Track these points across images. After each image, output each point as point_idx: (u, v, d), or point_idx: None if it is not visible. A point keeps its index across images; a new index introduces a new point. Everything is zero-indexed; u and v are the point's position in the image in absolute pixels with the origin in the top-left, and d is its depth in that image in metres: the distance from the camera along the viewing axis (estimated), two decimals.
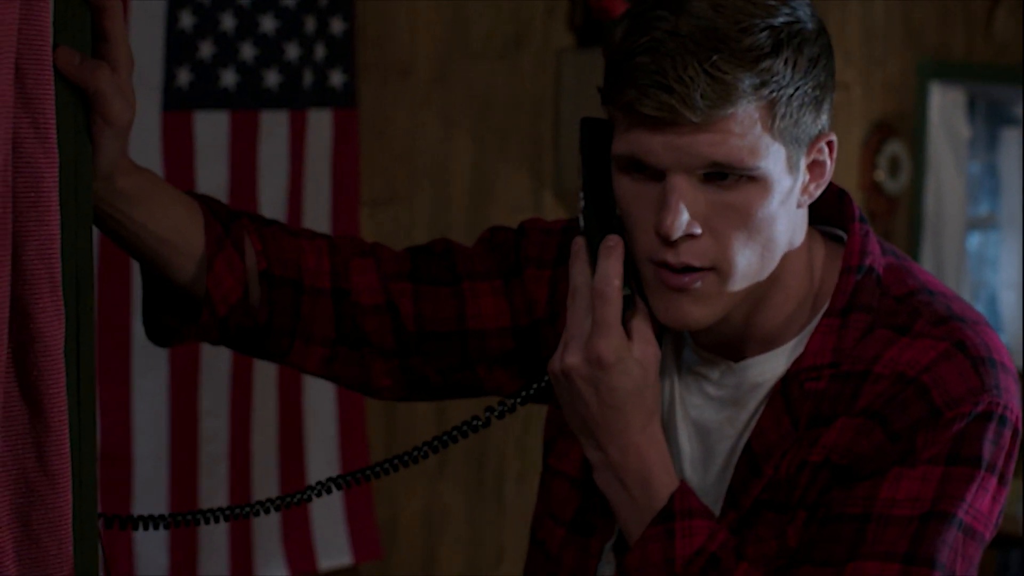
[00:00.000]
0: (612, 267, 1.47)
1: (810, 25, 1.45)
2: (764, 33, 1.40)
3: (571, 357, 1.48)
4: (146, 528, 1.56)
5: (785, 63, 1.41)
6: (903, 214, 5.50)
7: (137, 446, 3.16)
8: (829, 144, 1.53)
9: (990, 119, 6.25)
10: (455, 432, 1.60)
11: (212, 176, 3.25)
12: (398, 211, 3.70)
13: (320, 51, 3.41)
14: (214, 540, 3.32)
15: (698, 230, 1.43)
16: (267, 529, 3.43)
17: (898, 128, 5.40)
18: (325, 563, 3.54)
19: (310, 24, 3.37)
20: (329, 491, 1.60)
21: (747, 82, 1.39)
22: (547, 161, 4.01)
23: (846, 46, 5.17)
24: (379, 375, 1.68)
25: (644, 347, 1.49)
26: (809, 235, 1.56)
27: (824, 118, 1.50)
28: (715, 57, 1.38)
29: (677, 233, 1.42)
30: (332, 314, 1.64)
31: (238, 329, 1.60)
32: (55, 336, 1.17)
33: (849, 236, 1.57)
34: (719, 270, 1.45)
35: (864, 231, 1.57)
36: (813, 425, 1.49)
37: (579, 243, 1.52)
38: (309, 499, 1.59)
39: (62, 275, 1.21)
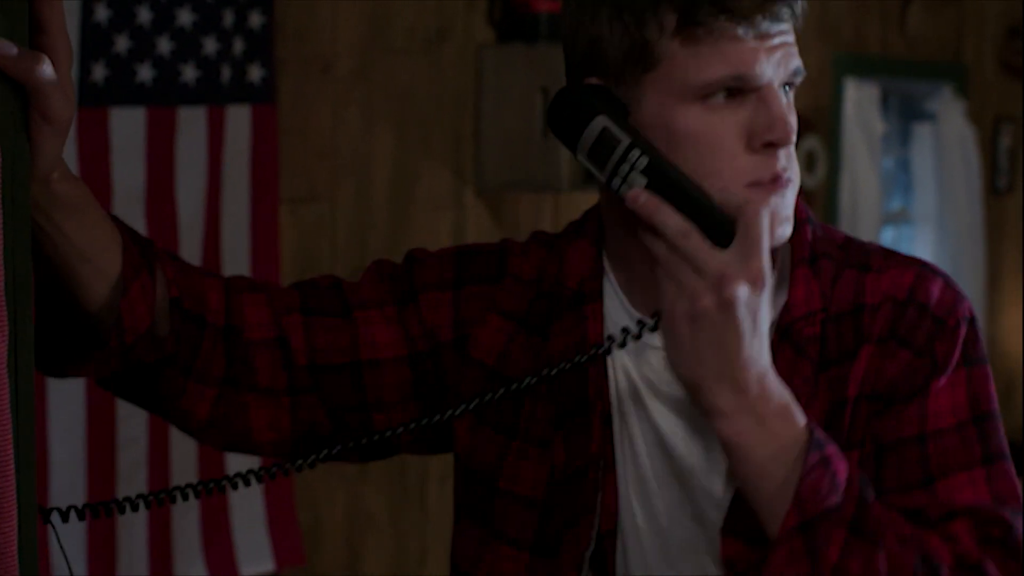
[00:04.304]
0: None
1: None
2: None
3: (732, 287, 1.39)
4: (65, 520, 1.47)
5: None
6: (819, 209, 5.51)
7: (53, 452, 3.08)
8: None
9: (903, 114, 6.28)
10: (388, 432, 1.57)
11: (128, 174, 3.17)
12: (319, 208, 3.63)
13: (239, 45, 3.33)
14: (133, 546, 3.24)
15: None
16: (187, 535, 3.36)
17: (814, 123, 5.40)
18: (247, 569, 3.46)
19: (228, 18, 3.29)
20: (248, 483, 1.53)
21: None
22: (468, 157, 3.97)
23: None
24: (262, 428, 1.61)
25: None
26: None
27: None
28: None
29: (794, 132, 1.46)
30: (224, 353, 1.57)
31: (136, 364, 1.51)
32: None
33: None
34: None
35: None
36: (826, 367, 1.53)
37: (645, 195, 1.44)
38: (234, 486, 1.52)
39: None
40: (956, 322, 1.53)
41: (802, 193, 1.55)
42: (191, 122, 3.28)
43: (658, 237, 1.43)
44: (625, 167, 1.46)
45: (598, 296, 1.60)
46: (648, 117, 1.47)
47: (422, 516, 3.95)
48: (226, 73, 3.31)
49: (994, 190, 6.55)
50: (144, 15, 3.14)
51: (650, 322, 1.50)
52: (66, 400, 3.09)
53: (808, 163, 5.37)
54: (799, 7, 1.49)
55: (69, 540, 2.93)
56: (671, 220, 1.42)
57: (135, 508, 1.49)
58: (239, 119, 3.37)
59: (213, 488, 1.51)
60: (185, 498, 1.51)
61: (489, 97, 3.93)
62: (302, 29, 3.54)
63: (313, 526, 3.69)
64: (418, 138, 3.84)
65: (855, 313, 1.54)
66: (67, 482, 3.10)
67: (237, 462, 3.40)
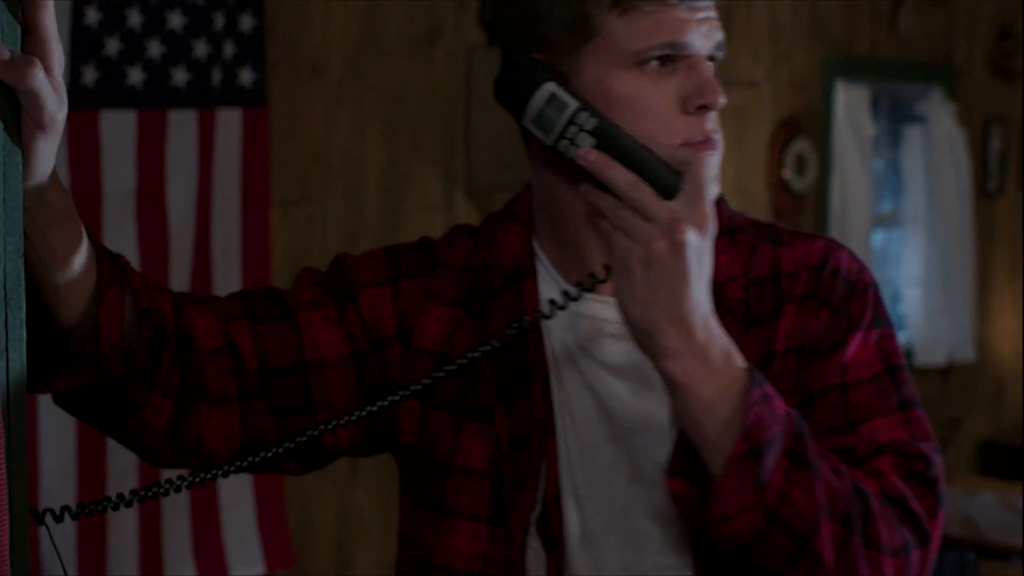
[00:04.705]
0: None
1: None
2: None
3: (682, 231, 1.49)
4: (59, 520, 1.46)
5: None
6: (810, 212, 5.52)
7: (44, 459, 3.07)
8: None
9: (893, 116, 6.28)
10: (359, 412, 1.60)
11: (119, 177, 3.17)
12: (311, 211, 3.63)
13: (229, 48, 3.33)
14: (123, 548, 3.23)
15: None
16: (177, 536, 3.35)
17: (804, 125, 5.41)
18: (237, 571, 3.46)
19: (219, 20, 3.29)
20: (229, 473, 1.54)
21: None
22: (459, 159, 3.97)
23: (754, 43, 5.17)
24: (214, 437, 1.61)
25: None
26: None
27: None
28: None
29: (722, 99, 1.57)
30: (179, 364, 1.58)
31: (105, 376, 1.51)
32: None
33: None
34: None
35: None
36: (751, 326, 1.64)
37: (595, 152, 1.54)
38: (216, 477, 1.52)
39: None
40: (865, 286, 1.67)
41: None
42: (182, 125, 3.28)
43: (603, 193, 1.52)
44: (573, 129, 1.55)
45: (532, 273, 1.68)
46: (587, 85, 1.58)
47: None
48: (217, 76, 3.31)
49: (984, 192, 6.56)
50: (134, 18, 3.14)
51: (573, 291, 1.59)
52: (55, 405, 3.08)
53: (798, 165, 5.38)
54: None
55: (59, 542, 2.92)
56: (621, 174, 1.52)
57: (128, 504, 1.49)
58: (230, 122, 3.37)
59: (203, 479, 1.52)
60: (177, 490, 1.50)
61: (480, 98, 3.93)
62: (293, 31, 3.54)
63: (304, 528, 3.69)
64: (409, 139, 3.84)
65: (774, 279, 1.67)
66: (58, 487, 3.10)
67: None
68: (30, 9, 1.24)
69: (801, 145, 5.36)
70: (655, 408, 1.62)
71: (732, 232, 1.68)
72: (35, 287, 1.42)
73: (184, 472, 1.55)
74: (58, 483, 3.10)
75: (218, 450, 1.62)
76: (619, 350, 1.63)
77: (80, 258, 1.44)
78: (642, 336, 1.51)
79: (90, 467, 3.15)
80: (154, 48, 3.19)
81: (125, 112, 3.17)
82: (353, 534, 3.81)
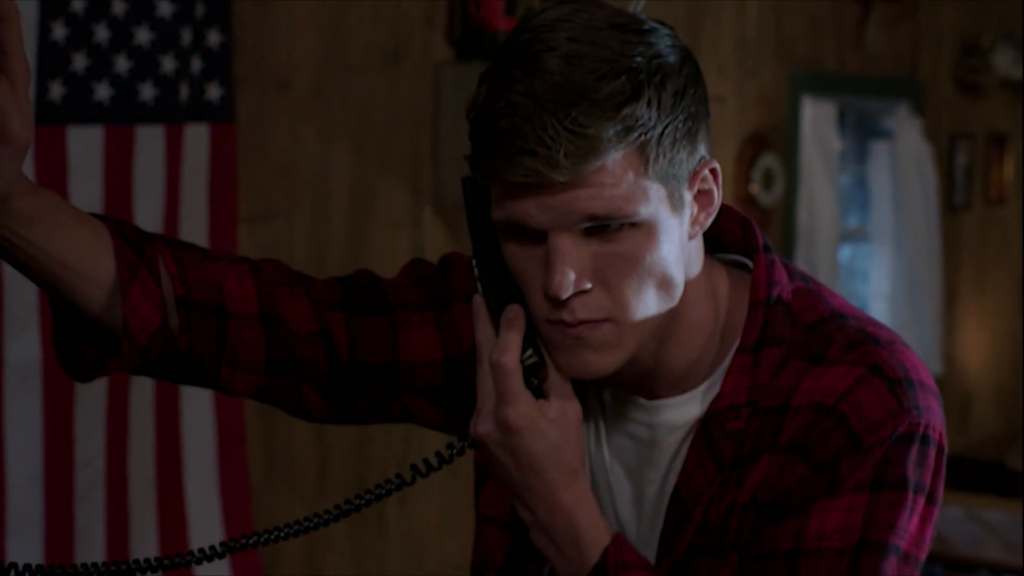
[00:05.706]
0: (512, 338, 1.45)
1: (671, 58, 1.41)
2: (622, 78, 1.36)
3: (483, 425, 1.47)
4: None
5: (648, 104, 1.37)
6: (777, 227, 5.53)
7: (11, 472, 3.06)
8: (712, 172, 1.46)
9: (860, 132, 6.31)
10: (369, 496, 1.57)
11: (86, 193, 3.15)
12: (277, 227, 3.63)
13: (197, 64, 3.33)
14: (90, 558, 3.21)
15: (588, 285, 1.40)
16: (145, 548, 3.33)
17: (771, 141, 5.42)
18: None
19: (186, 36, 3.28)
20: (212, 560, 1.54)
21: (611, 131, 1.34)
22: (426, 175, 3.97)
23: (720, 58, 5.19)
24: (311, 398, 1.63)
25: (562, 405, 1.47)
26: (710, 266, 1.53)
27: (702, 147, 1.44)
28: (574, 112, 1.33)
29: (566, 293, 1.39)
30: (263, 340, 1.57)
31: (161, 357, 1.51)
32: None
33: (755, 267, 1.54)
34: (616, 319, 1.42)
35: (769, 260, 1.54)
36: (737, 465, 1.48)
37: (479, 302, 1.50)
38: (190, 564, 1.53)
39: None
40: (876, 441, 1.42)
41: (760, 272, 1.52)
42: (149, 141, 3.27)
43: None
44: (474, 268, 1.52)
45: None
46: None
47: (381, 534, 3.94)
48: (184, 91, 3.30)
49: (951, 207, 6.59)
50: (102, 33, 3.13)
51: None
52: (22, 419, 3.07)
53: (766, 180, 5.39)
54: (577, 153, 1.34)
55: (27, 560, 2.90)
56: (477, 335, 1.49)
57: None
58: (197, 138, 3.36)
59: (178, 563, 1.52)
60: (144, 572, 1.51)
61: (447, 115, 3.93)
62: (260, 47, 3.53)
63: (272, 547, 3.67)
64: (376, 156, 3.83)
65: (781, 411, 1.47)
66: (25, 500, 3.08)
67: (195, 482, 3.39)
68: None
69: (768, 160, 5.38)
70: (646, 523, 1.56)
71: (760, 346, 1.49)
72: (52, 285, 1.43)
73: (154, 555, 1.54)
74: (25, 495, 3.08)
75: (316, 409, 1.64)
76: (632, 450, 1.56)
77: (82, 254, 1.43)
78: None
79: (57, 483, 3.14)
80: (121, 63, 3.18)
81: (92, 128, 3.16)
82: (321, 550, 3.80)
